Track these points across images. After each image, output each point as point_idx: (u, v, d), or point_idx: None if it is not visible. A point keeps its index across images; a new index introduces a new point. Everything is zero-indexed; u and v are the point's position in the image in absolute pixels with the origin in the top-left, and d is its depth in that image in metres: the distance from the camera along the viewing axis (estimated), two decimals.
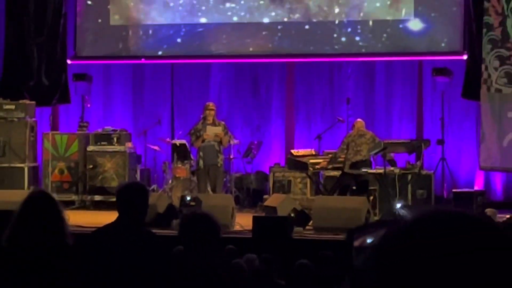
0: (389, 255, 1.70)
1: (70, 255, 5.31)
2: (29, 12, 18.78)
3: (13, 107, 17.47)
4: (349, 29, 17.85)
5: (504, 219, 13.81)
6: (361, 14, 17.80)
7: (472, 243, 1.65)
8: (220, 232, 5.86)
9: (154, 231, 6.86)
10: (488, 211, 14.11)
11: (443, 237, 1.67)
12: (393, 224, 1.75)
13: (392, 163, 15.46)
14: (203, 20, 18.47)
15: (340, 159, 15.72)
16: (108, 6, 18.91)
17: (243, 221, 13.68)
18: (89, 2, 19.03)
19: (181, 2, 18.53)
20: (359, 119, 16.09)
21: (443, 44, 17.52)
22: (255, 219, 13.08)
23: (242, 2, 18.25)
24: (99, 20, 18.98)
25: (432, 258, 1.65)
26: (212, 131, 16.15)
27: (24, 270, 5.10)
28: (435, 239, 1.67)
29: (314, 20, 18.02)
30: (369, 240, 1.82)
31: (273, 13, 18.17)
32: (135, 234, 5.83)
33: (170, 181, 16.50)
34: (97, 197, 17.09)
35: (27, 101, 17.72)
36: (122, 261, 5.56)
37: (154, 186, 17.27)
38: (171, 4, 18.56)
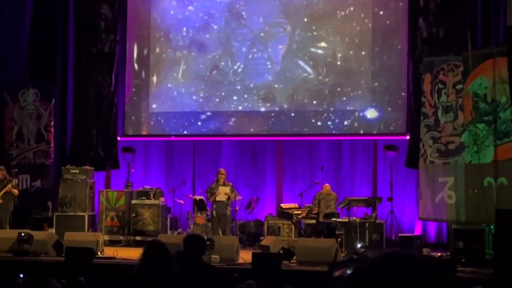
0: (360, 284, 1.81)
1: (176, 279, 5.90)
2: (90, 104, 18.89)
3: (77, 171, 17.47)
4: (323, 116, 17.92)
5: (436, 256, 13.79)
6: (332, 105, 17.88)
7: (417, 274, 1.77)
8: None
9: None
10: (425, 250, 14.12)
11: (399, 270, 1.78)
12: (362, 261, 1.85)
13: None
14: (216, 108, 18.56)
15: (314, 211, 15.87)
16: (148, 99, 19.03)
17: (245, 256, 13.67)
18: (134, 96, 19.15)
19: (201, 95, 18.64)
20: (326, 184, 16.30)
21: (391, 128, 17.59)
22: (253, 254, 13.09)
23: (246, 96, 18.37)
24: (141, 109, 19.09)
25: (391, 285, 1.76)
26: (223, 190, 16.21)
27: None
28: (393, 271, 1.78)
29: (298, 110, 18.09)
30: (345, 273, 1.91)
31: (268, 104, 18.27)
32: (197, 266, 6.60)
33: (191, 226, 16.53)
34: (138, 238, 17.01)
35: (88, 167, 17.70)
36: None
37: (180, 230, 17.32)
38: (194, 98, 18.68)
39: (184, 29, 18.86)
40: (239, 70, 18.49)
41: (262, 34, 18.43)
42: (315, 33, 18.07)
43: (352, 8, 17.83)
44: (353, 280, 1.82)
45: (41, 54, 19.29)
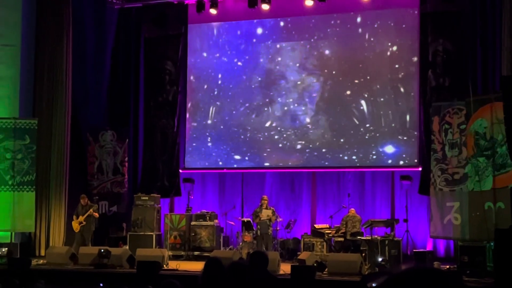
0: None
1: None
2: (157, 142, 19.08)
3: (147, 198, 17.60)
4: (349, 152, 17.91)
5: (445, 268, 13.69)
6: (356, 142, 17.87)
7: (433, 281, 1.83)
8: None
9: None
10: (435, 263, 14.02)
11: (422, 279, 1.84)
12: (390, 274, 1.92)
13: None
14: (260, 145, 18.64)
15: (341, 231, 15.84)
16: (204, 138, 19.16)
17: (285, 268, 13.65)
18: (193, 135, 19.30)
19: (248, 135, 18.74)
20: (352, 208, 16.32)
21: (406, 161, 17.52)
22: (292, 267, 13.03)
23: (285, 135, 18.44)
24: (199, 146, 19.23)
25: None
26: (266, 213, 16.24)
27: None
28: (416, 281, 1.84)
29: (328, 146, 18.10)
30: (374, 284, 1.94)
31: (303, 142, 18.32)
32: (263, 274, 6.52)
33: (240, 243, 16.52)
34: (196, 253, 17.05)
35: (155, 195, 17.83)
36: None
37: (231, 246, 17.32)
38: (242, 137, 18.80)
39: (234, 81, 19.03)
40: (279, 114, 18.58)
41: (298, 83, 18.53)
42: (342, 83, 18.12)
43: (372, 62, 17.87)
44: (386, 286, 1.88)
45: (117, 103, 19.59)
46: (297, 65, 18.58)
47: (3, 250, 15.87)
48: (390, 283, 1.88)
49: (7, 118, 17.25)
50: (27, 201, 16.99)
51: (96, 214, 16.49)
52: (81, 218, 16.25)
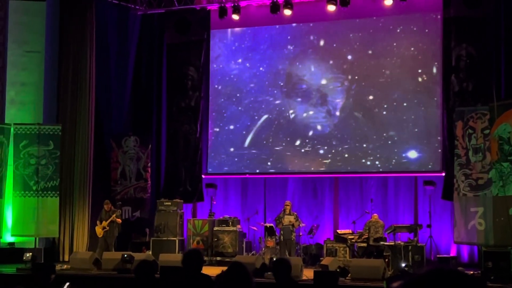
0: None
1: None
2: (180, 148, 19.19)
3: (170, 203, 17.70)
4: (372, 157, 17.90)
5: (469, 274, 13.57)
6: (379, 147, 17.84)
7: (457, 283, 1.85)
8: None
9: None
10: (459, 269, 13.91)
11: (443, 280, 1.86)
12: (416, 273, 1.93)
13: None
14: (282, 151, 18.66)
15: (364, 236, 15.81)
16: (227, 143, 19.22)
17: (308, 274, 13.66)
18: (215, 141, 19.36)
19: (270, 140, 18.76)
20: (375, 213, 16.27)
21: (429, 166, 17.48)
22: (315, 272, 13.09)
23: (307, 140, 18.46)
24: (221, 151, 19.28)
25: None
26: (288, 219, 16.25)
27: None
28: (438, 282, 1.85)
29: (350, 151, 18.10)
30: (395, 285, 1.96)
31: (325, 147, 18.32)
32: (286, 281, 6.49)
33: (263, 249, 16.56)
34: (219, 258, 17.12)
35: (178, 200, 17.92)
36: None
37: (253, 252, 17.35)
38: (264, 142, 18.84)
39: (256, 86, 19.09)
40: (301, 120, 18.61)
41: (321, 87, 18.54)
42: (364, 88, 18.12)
43: (395, 67, 17.85)
44: (409, 286, 1.89)
45: (140, 108, 19.72)
46: (319, 70, 18.60)
47: (28, 255, 16.01)
48: (412, 283, 1.88)
49: (31, 124, 17.45)
50: (51, 206, 17.16)
51: (119, 220, 16.58)
52: (104, 224, 16.35)
